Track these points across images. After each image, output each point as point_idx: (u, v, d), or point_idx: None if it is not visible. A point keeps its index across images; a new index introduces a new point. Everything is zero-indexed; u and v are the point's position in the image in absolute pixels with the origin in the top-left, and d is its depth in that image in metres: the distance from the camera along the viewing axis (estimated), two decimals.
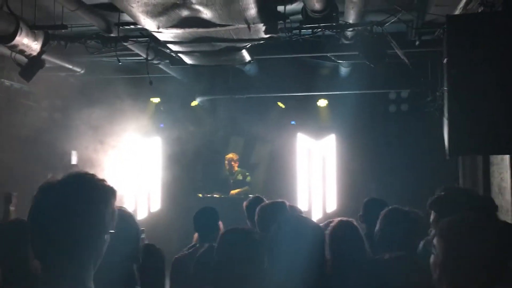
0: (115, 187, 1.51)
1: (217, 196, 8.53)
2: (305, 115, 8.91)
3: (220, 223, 4.08)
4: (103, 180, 1.48)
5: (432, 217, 2.63)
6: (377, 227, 2.88)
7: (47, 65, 6.03)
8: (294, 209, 4.01)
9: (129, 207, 6.31)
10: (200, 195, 8.74)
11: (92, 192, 1.44)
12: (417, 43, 5.80)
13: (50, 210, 1.39)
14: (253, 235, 2.52)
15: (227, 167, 8.84)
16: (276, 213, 3.44)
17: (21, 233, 2.80)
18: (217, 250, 2.45)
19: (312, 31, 5.10)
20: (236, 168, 8.80)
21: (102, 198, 1.45)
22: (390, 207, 2.99)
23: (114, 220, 1.49)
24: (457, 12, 4.95)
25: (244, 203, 4.37)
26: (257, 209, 3.69)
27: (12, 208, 4.86)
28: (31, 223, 1.42)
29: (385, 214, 2.90)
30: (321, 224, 2.92)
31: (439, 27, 5.42)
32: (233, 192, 8.63)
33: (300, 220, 2.67)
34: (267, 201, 3.87)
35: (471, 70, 4.47)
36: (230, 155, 8.87)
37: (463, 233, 1.58)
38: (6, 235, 2.88)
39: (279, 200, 3.86)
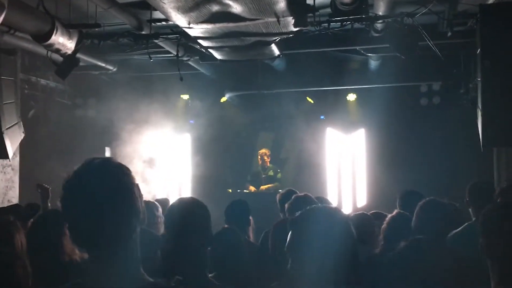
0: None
1: (246, 191, 8.60)
2: (334, 110, 8.86)
3: (250, 218, 4.14)
4: (128, 169, 1.46)
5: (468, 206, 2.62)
6: (414, 219, 2.88)
7: (81, 63, 6.20)
8: (322, 201, 4.03)
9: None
10: (230, 190, 8.82)
11: (128, 180, 1.42)
12: (449, 34, 5.69)
13: (94, 198, 1.37)
14: None
15: (260, 162, 8.93)
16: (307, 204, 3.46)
17: (54, 223, 2.88)
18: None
19: (341, 24, 5.07)
20: (268, 164, 8.88)
21: (134, 186, 1.43)
22: (427, 198, 2.97)
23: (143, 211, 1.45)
24: (490, 1, 4.84)
25: (278, 196, 4.42)
26: (288, 202, 3.73)
27: (49, 204, 5.01)
28: (73, 211, 1.39)
29: (422, 205, 2.89)
30: (354, 214, 2.95)
31: (471, 18, 5.31)
32: (263, 187, 8.69)
33: (325, 211, 2.66)
34: (299, 193, 3.92)
35: (505, 61, 4.38)
36: (263, 150, 8.96)
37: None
38: (41, 225, 2.96)
39: (306, 193, 3.92)
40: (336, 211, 2.39)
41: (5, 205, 5.71)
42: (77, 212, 1.37)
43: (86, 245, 1.39)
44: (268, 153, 8.94)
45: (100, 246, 1.36)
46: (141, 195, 1.44)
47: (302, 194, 3.92)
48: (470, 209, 3.67)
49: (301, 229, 2.06)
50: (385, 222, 2.96)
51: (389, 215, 2.99)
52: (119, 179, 1.40)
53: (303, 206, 3.43)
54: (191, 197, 2.52)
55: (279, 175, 8.88)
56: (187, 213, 2.23)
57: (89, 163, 1.45)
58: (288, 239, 2.05)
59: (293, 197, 3.76)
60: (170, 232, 2.23)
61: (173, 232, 2.21)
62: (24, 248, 2.11)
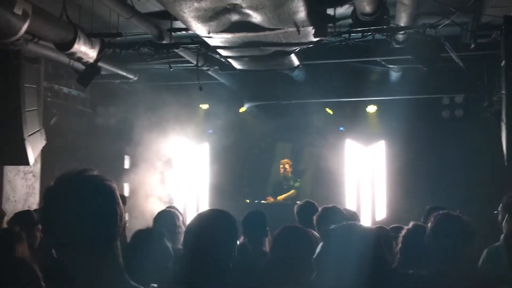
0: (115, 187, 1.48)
1: (264, 202, 8.58)
2: (354, 121, 8.78)
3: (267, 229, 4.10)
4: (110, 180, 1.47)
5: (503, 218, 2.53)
6: (427, 232, 2.80)
7: (102, 72, 6.28)
8: (351, 215, 4.01)
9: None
10: (248, 200, 8.79)
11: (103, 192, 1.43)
12: (472, 46, 5.59)
13: (67, 207, 1.38)
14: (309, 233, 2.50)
15: (282, 171, 8.97)
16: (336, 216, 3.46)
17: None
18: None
19: (362, 34, 5.03)
20: (289, 174, 8.95)
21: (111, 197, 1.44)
22: (441, 212, 2.90)
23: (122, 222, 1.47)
24: None
25: (295, 208, 4.37)
26: (317, 214, 3.75)
27: None
28: (50, 218, 1.41)
29: (436, 218, 2.81)
30: (390, 227, 2.89)
31: (496, 29, 5.22)
32: (279, 198, 8.67)
33: (347, 229, 2.62)
34: (327, 205, 3.93)
35: None
36: (285, 160, 8.99)
37: None
38: None
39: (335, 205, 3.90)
40: (370, 231, 2.36)
41: None
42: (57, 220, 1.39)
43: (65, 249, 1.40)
44: (290, 163, 8.99)
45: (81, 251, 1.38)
46: (120, 207, 1.45)
47: (331, 206, 3.92)
48: (504, 224, 3.54)
49: (334, 244, 2.07)
50: (400, 235, 2.86)
51: (405, 228, 2.90)
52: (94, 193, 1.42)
53: (333, 218, 3.42)
54: (211, 209, 2.45)
55: (297, 184, 8.88)
56: (204, 227, 2.16)
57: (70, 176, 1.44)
58: (319, 251, 2.02)
59: (321, 209, 3.75)
60: (187, 247, 2.17)
61: (189, 247, 2.15)
62: (27, 256, 2.11)
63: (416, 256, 2.70)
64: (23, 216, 3.73)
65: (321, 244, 2.11)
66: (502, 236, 2.84)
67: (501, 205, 3.74)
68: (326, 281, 2.12)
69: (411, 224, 2.92)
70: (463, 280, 2.55)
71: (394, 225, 4.13)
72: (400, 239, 2.78)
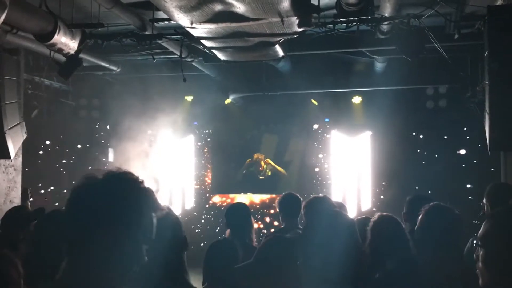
0: (151, 189, 1.45)
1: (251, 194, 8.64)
2: (339, 112, 8.80)
3: (252, 219, 4.08)
4: (142, 182, 1.42)
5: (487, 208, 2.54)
6: (418, 224, 2.79)
7: (84, 64, 6.17)
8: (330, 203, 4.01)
9: (163, 203, 6.43)
10: (233, 193, 8.82)
11: (133, 193, 1.38)
12: (456, 36, 5.62)
13: (90, 205, 1.34)
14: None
15: (258, 167, 9.10)
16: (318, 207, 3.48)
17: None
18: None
19: (346, 25, 5.00)
20: (264, 165, 9.00)
21: (142, 200, 1.39)
22: (432, 203, 2.89)
23: (153, 227, 1.40)
24: (498, 2, 4.76)
25: (277, 199, 4.37)
26: (303, 204, 3.78)
27: (28, 202, 5.12)
28: (69, 214, 1.37)
29: (426, 210, 2.81)
30: (357, 218, 2.87)
31: (479, 19, 5.23)
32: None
33: (333, 215, 2.63)
34: (313, 196, 3.97)
35: None
36: (256, 156, 9.14)
37: None
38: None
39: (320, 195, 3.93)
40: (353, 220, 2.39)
41: (8, 206, 5.68)
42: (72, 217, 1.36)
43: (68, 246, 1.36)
44: (262, 157, 9.08)
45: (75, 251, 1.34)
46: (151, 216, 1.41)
47: (321, 195, 4.01)
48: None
49: (321, 231, 2.25)
50: (368, 228, 2.80)
51: (372, 219, 2.85)
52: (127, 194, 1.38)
53: (321, 206, 3.44)
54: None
55: (279, 168, 9.04)
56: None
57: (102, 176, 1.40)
58: (305, 236, 2.23)
59: (311, 197, 3.83)
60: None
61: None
62: (19, 280, 2.05)
63: (384, 247, 2.69)
64: (17, 212, 3.67)
65: (306, 229, 2.16)
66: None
67: (485, 197, 3.74)
68: (312, 265, 2.15)
69: (376, 215, 2.88)
70: (451, 269, 2.56)
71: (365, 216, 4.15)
72: (368, 232, 2.73)
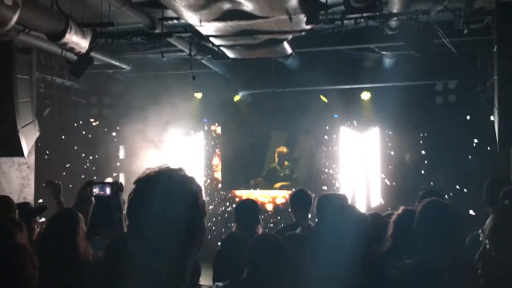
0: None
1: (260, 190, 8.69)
2: (348, 109, 8.79)
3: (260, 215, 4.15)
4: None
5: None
6: (415, 219, 2.80)
7: (95, 62, 6.24)
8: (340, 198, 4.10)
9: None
10: (242, 189, 8.86)
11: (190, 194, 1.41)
12: (465, 32, 5.59)
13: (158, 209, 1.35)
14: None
15: (277, 160, 9.04)
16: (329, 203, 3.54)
17: (69, 222, 2.88)
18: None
19: (354, 21, 5.01)
20: (286, 163, 9.00)
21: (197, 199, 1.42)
22: (429, 199, 2.90)
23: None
24: None
25: (288, 195, 4.43)
26: (316, 200, 3.93)
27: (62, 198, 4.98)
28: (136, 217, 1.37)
29: (424, 206, 2.81)
30: (384, 214, 2.90)
31: (488, 15, 5.21)
32: (277, 185, 8.74)
33: (343, 210, 2.65)
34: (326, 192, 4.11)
35: None
36: (280, 149, 9.04)
37: None
38: (56, 224, 2.97)
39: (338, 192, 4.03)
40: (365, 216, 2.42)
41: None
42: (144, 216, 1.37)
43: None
44: (285, 151, 9.05)
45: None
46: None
47: (336, 192, 4.09)
48: (488, 210, 3.55)
49: (330, 225, 2.26)
50: (391, 220, 2.87)
51: (395, 213, 2.90)
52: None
53: (334, 203, 3.51)
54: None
55: (295, 175, 8.95)
56: None
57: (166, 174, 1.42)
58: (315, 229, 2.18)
59: (323, 194, 4.04)
60: None
61: None
62: (27, 245, 2.10)
63: (407, 240, 2.71)
64: (21, 208, 3.74)
65: (318, 225, 2.21)
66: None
67: (484, 192, 3.72)
68: (319, 260, 2.18)
69: (401, 209, 2.92)
70: (447, 266, 2.57)
71: (388, 212, 4.15)
72: (391, 224, 2.78)
